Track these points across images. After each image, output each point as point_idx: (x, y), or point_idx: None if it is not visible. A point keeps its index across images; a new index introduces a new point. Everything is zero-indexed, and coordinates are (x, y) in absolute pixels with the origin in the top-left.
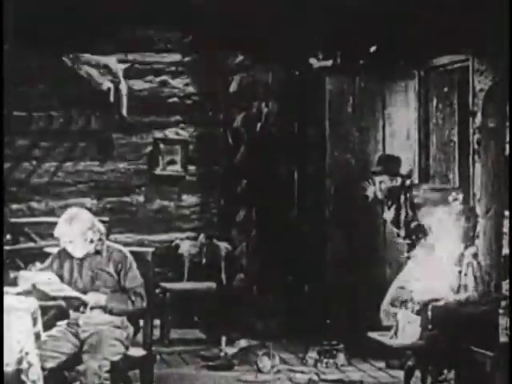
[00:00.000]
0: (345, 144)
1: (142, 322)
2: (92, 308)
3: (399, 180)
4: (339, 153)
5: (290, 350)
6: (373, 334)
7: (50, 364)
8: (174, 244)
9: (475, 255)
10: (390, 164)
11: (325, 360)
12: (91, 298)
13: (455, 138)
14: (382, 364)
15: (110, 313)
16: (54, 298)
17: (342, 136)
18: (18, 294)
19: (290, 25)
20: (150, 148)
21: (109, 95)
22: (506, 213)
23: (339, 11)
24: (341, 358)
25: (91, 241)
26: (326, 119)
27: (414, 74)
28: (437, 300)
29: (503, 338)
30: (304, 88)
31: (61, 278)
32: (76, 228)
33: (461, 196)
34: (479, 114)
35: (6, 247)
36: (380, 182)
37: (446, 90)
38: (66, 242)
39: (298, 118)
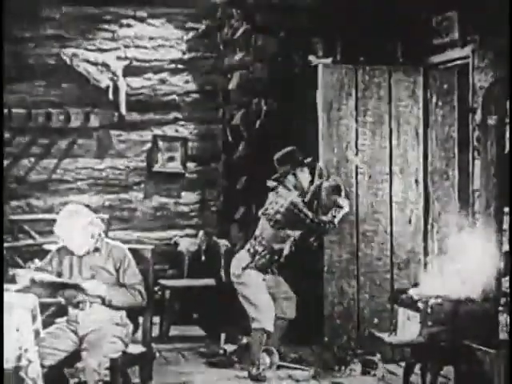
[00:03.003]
0: (342, 140)
1: (141, 319)
2: (91, 301)
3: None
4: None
5: (290, 347)
6: (372, 331)
7: (49, 361)
8: (173, 241)
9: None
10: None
11: None
12: (90, 285)
13: (455, 135)
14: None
15: (110, 305)
16: (53, 290)
17: (340, 132)
18: (18, 291)
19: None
20: (149, 145)
21: (108, 92)
22: (506, 209)
23: (339, 9)
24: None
25: (92, 236)
26: (320, 116)
27: (419, 70)
28: (437, 297)
29: (503, 335)
30: (303, 85)
31: (60, 275)
32: (77, 223)
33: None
34: (479, 111)
35: (6, 244)
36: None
37: (445, 86)
38: (67, 238)
39: (297, 116)
